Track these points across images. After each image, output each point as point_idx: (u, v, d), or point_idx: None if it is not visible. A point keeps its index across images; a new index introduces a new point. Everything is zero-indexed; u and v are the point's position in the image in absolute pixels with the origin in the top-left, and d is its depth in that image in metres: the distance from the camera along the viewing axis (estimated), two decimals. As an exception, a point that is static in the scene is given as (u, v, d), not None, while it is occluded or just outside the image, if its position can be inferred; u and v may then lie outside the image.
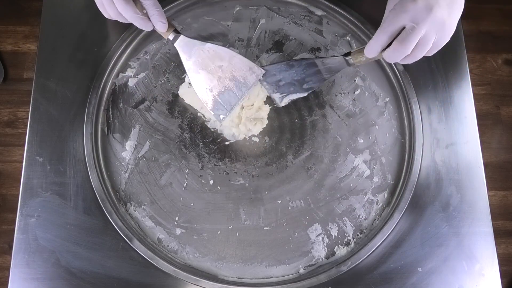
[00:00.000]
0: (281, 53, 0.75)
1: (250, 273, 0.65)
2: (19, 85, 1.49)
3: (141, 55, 0.75)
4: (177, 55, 0.75)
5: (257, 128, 0.71)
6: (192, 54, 0.66)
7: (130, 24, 0.77)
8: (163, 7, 0.76)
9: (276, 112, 0.72)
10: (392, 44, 0.52)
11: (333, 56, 0.63)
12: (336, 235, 0.67)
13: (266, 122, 0.71)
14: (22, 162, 0.68)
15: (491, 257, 0.67)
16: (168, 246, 0.66)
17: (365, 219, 0.68)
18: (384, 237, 0.66)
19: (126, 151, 0.70)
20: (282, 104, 0.71)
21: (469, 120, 0.73)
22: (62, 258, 0.64)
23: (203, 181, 0.69)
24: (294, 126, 0.72)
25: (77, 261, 0.64)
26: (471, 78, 0.75)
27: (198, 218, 0.67)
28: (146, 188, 0.68)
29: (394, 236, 0.67)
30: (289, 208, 0.68)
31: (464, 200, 0.69)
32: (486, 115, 1.52)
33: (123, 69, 0.74)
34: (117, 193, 0.68)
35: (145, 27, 0.62)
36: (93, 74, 0.72)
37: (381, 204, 0.69)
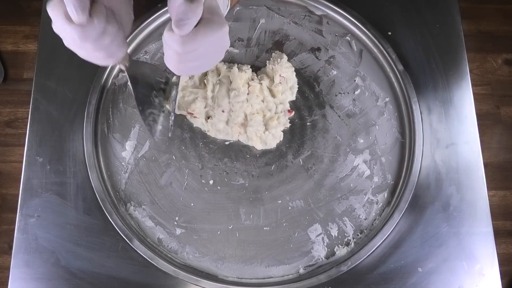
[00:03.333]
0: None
1: (250, 273, 0.65)
2: (19, 85, 1.49)
3: (141, 55, 0.75)
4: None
5: (274, 142, 0.70)
6: None
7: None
8: (163, 7, 0.76)
9: (276, 112, 0.72)
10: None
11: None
12: (336, 235, 0.67)
13: (283, 135, 0.71)
14: (22, 162, 0.68)
15: (491, 257, 0.67)
16: (168, 246, 0.66)
17: (365, 219, 0.68)
18: (384, 237, 0.66)
19: (126, 151, 0.70)
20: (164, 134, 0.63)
21: (469, 120, 0.73)
22: (62, 258, 0.64)
23: (203, 181, 0.69)
24: (294, 126, 0.72)
25: (77, 261, 0.64)
26: (471, 78, 0.75)
27: (198, 218, 0.67)
28: (146, 188, 0.68)
29: (394, 236, 0.67)
30: (289, 208, 0.68)
31: (464, 200, 0.69)
32: (486, 115, 1.52)
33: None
34: (117, 193, 0.68)
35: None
36: (93, 74, 0.72)
37: (381, 204, 0.69)
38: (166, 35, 0.44)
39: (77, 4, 0.40)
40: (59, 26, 0.43)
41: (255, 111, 0.70)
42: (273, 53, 0.75)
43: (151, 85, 0.59)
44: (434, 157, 0.71)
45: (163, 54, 0.74)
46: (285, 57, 0.73)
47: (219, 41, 0.46)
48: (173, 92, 0.60)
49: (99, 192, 0.67)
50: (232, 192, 0.68)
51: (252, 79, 0.71)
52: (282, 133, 0.70)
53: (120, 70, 0.74)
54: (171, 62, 0.49)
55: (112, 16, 0.45)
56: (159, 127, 0.61)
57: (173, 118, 0.61)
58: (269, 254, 0.66)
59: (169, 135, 0.66)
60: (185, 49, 0.44)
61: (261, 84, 0.70)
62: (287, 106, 0.72)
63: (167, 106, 0.61)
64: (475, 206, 0.69)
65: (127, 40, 0.54)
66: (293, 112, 0.72)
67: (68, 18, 0.42)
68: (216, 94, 0.70)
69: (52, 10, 0.42)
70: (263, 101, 0.70)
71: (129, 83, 0.58)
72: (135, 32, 0.74)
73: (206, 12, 0.44)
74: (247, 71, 0.71)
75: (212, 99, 0.70)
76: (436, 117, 0.73)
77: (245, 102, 0.69)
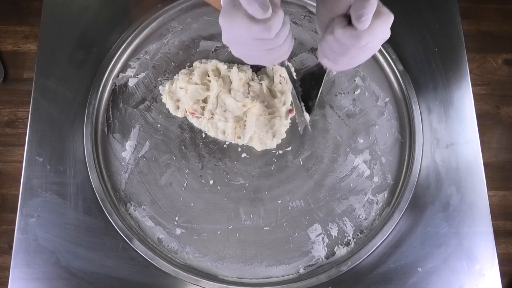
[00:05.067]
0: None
1: (250, 273, 0.65)
2: (19, 85, 1.49)
3: (141, 55, 0.75)
4: (177, 55, 0.75)
5: (274, 142, 0.70)
6: None
7: (130, 24, 0.77)
8: (163, 7, 0.76)
9: (276, 112, 0.72)
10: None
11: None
12: (336, 235, 0.67)
13: (283, 136, 0.71)
14: (22, 162, 0.68)
15: (491, 257, 0.67)
16: (168, 246, 0.66)
17: (365, 219, 0.68)
18: (384, 237, 0.66)
19: (126, 151, 0.70)
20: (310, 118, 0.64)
21: (469, 120, 0.73)
22: (62, 258, 0.64)
23: (203, 181, 0.69)
24: (294, 126, 0.72)
25: (77, 261, 0.64)
26: (471, 78, 0.75)
27: (198, 218, 0.67)
28: (146, 188, 0.68)
29: (394, 236, 0.67)
30: (289, 208, 0.68)
31: (464, 200, 0.69)
32: (486, 115, 1.52)
33: (123, 69, 0.74)
34: (117, 193, 0.68)
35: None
36: (93, 74, 0.72)
37: (381, 204, 0.69)
38: (342, 32, 0.45)
39: (261, 0, 0.41)
40: (241, 29, 0.43)
41: (256, 111, 0.70)
42: None
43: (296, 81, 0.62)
44: (434, 157, 0.71)
45: (163, 54, 0.74)
46: None
47: (386, 30, 0.48)
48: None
49: (99, 192, 0.67)
50: (232, 192, 0.68)
51: (252, 79, 0.71)
52: (284, 134, 0.70)
53: (121, 70, 0.74)
54: (336, 59, 0.50)
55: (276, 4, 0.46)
56: (304, 119, 0.62)
57: (302, 117, 0.62)
58: (269, 254, 0.66)
59: (303, 130, 0.67)
60: (361, 43, 0.46)
61: (261, 84, 0.70)
62: (289, 106, 0.72)
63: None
64: (475, 206, 0.69)
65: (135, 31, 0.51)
66: (294, 112, 0.72)
67: (252, 17, 0.42)
68: (217, 94, 0.70)
69: (229, 17, 0.43)
70: (263, 102, 0.70)
71: (292, 75, 0.60)
72: (135, 33, 0.74)
73: None
74: (247, 71, 0.71)
75: (213, 99, 0.70)
76: (436, 117, 0.73)
77: (246, 102, 0.69)
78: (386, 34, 0.49)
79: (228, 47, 0.75)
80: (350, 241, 0.67)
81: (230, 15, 0.43)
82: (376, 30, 0.46)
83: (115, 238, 0.65)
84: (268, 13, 0.42)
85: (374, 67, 0.76)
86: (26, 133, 0.70)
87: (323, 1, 0.48)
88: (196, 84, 0.70)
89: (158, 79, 0.74)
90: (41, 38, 0.75)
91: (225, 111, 0.69)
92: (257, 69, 0.74)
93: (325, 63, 0.52)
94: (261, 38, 0.44)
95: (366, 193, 0.69)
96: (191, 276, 0.63)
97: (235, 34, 0.45)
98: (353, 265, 0.65)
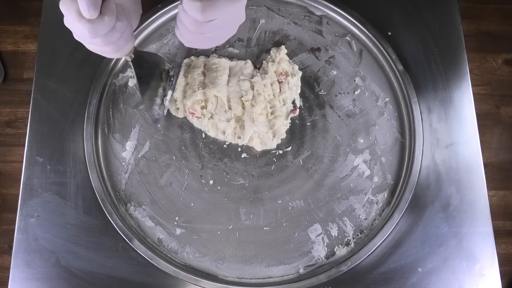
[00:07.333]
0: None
1: (250, 273, 0.65)
2: (19, 85, 1.49)
3: (141, 55, 0.75)
4: (176, 55, 0.75)
5: (274, 142, 0.70)
6: None
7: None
8: (163, 7, 0.76)
9: (276, 112, 0.72)
10: None
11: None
12: (336, 235, 0.67)
13: (284, 136, 0.71)
14: (22, 162, 0.68)
15: (491, 257, 0.67)
16: (168, 246, 0.66)
17: (365, 219, 0.68)
18: (384, 237, 0.66)
19: (126, 151, 0.70)
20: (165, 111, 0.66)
21: (469, 120, 0.73)
22: (62, 258, 0.64)
23: (203, 181, 0.69)
24: (294, 126, 0.72)
25: (77, 261, 0.64)
26: (471, 78, 0.75)
27: (198, 218, 0.67)
28: (146, 188, 0.68)
29: (394, 236, 0.67)
30: (289, 208, 0.68)
31: (464, 200, 0.69)
32: (486, 115, 1.52)
33: (123, 69, 0.74)
34: (117, 193, 0.68)
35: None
36: (93, 74, 0.73)
37: (381, 204, 0.69)
38: (186, 3, 0.45)
39: (89, 1, 0.41)
40: (70, 21, 0.44)
41: (257, 110, 0.70)
42: (271, 51, 0.74)
43: (155, 74, 0.63)
44: (434, 157, 0.71)
45: (162, 54, 0.74)
46: (283, 49, 0.73)
47: (236, 12, 0.47)
48: (175, 76, 0.64)
49: (99, 192, 0.67)
50: (232, 192, 0.68)
51: (253, 76, 0.71)
52: (284, 133, 0.70)
53: (121, 71, 0.74)
54: (185, 33, 0.50)
55: (121, 13, 0.46)
56: (159, 112, 0.65)
57: (168, 98, 0.65)
58: (269, 254, 0.66)
59: (164, 113, 0.66)
60: (205, 17, 0.45)
61: (263, 84, 0.70)
62: (291, 106, 0.72)
63: (168, 90, 0.64)
64: (475, 206, 0.69)
65: (135, 33, 0.57)
66: (298, 110, 0.72)
67: (80, 14, 0.43)
68: (217, 94, 0.70)
69: (64, 6, 0.43)
70: (264, 101, 0.70)
71: (132, 72, 0.61)
72: (135, 33, 0.74)
73: None
74: (248, 65, 0.71)
75: (213, 99, 0.70)
76: (436, 117, 0.73)
77: (247, 102, 0.69)
78: (238, 14, 0.48)
79: (227, 47, 0.75)
80: (350, 241, 0.67)
81: (65, 4, 0.43)
82: (222, 6, 0.45)
83: (115, 238, 0.65)
84: (93, 16, 0.43)
85: (374, 67, 0.76)
86: (26, 133, 0.70)
87: None
88: (195, 84, 0.70)
89: (158, 79, 0.74)
90: (41, 38, 0.75)
91: (225, 111, 0.69)
92: (258, 68, 0.74)
93: (178, 36, 0.52)
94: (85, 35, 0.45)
95: (366, 193, 0.69)
96: (191, 276, 0.63)
97: (67, 23, 0.45)
98: (353, 265, 0.65)
